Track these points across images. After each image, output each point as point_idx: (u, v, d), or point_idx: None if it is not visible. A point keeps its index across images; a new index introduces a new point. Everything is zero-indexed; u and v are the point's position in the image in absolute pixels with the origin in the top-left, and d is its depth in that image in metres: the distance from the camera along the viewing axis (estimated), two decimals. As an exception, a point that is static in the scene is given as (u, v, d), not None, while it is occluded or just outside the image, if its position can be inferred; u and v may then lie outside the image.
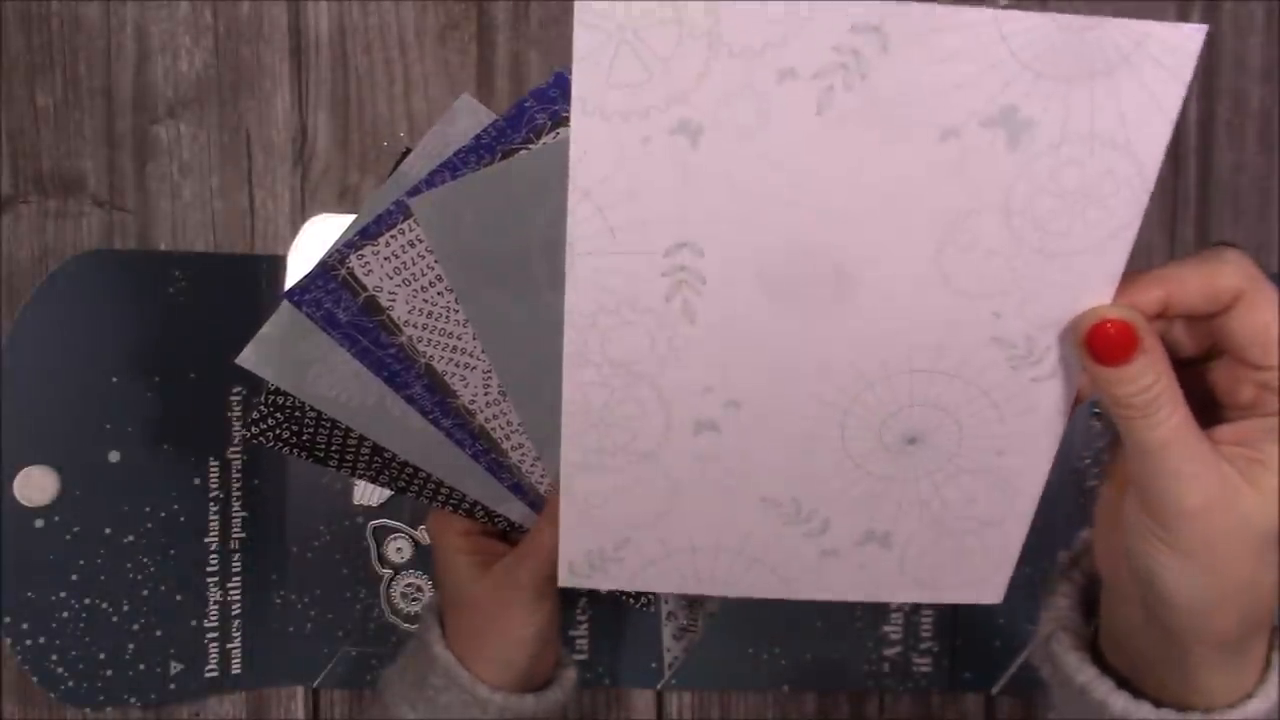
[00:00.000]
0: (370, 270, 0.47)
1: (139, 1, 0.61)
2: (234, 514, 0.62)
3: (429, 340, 0.48)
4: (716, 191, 0.35)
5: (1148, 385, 0.32)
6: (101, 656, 0.60)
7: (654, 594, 0.56)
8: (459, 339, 0.48)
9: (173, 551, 0.61)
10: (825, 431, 0.40)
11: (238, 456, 0.62)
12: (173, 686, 0.62)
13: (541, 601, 0.50)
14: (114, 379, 0.59)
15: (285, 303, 0.48)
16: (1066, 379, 0.36)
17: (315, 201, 0.62)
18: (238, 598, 0.63)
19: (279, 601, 0.63)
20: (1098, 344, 0.33)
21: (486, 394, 0.50)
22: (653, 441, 0.40)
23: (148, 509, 0.61)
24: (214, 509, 0.62)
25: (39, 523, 0.59)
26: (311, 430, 0.51)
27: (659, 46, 0.33)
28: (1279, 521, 0.33)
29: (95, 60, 0.61)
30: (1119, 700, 0.36)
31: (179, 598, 0.61)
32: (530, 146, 0.46)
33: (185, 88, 0.61)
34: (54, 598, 0.59)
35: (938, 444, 0.40)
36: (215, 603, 0.62)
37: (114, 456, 0.60)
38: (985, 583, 0.43)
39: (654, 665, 0.62)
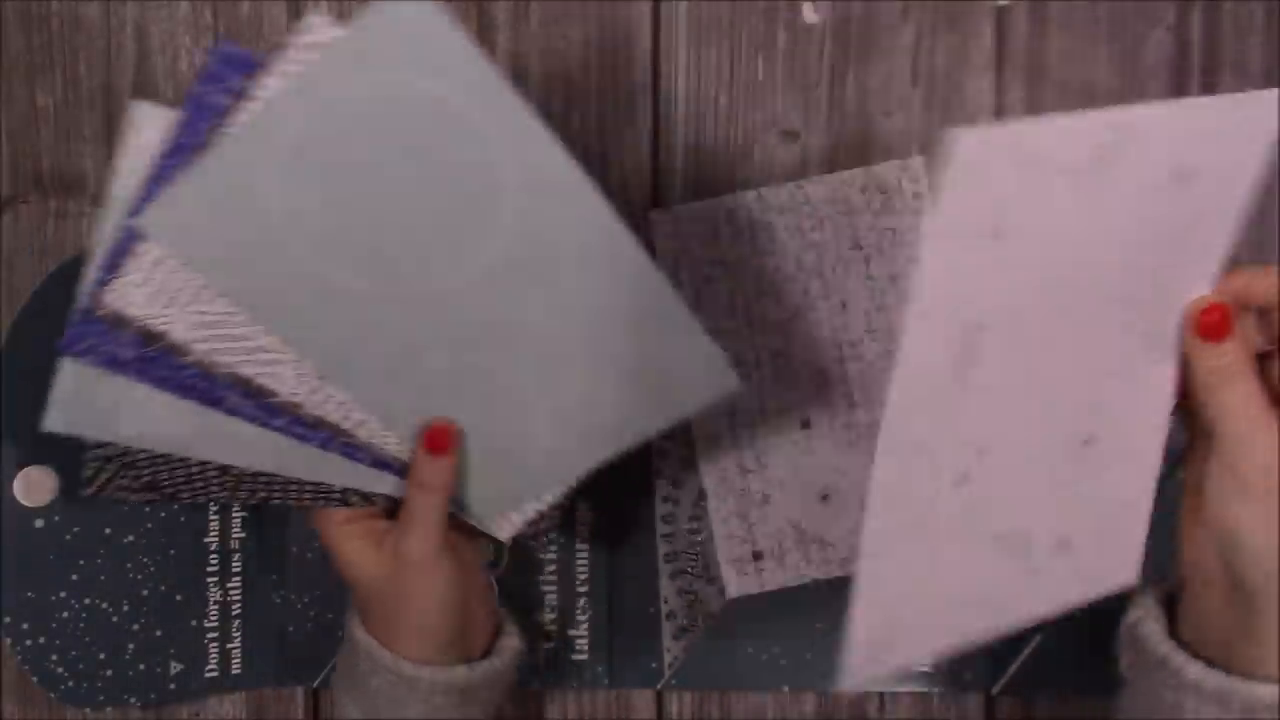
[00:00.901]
0: (130, 302, 0.45)
1: (139, 1, 0.61)
2: (234, 514, 0.62)
3: (222, 350, 0.47)
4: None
5: (1234, 360, 0.41)
6: (101, 656, 0.60)
7: (552, 531, 0.55)
8: (250, 339, 0.47)
9: (173, 551, 0.61)
10: (1048, 456, 0.43)
11: (238, 456, 0.62)
12: (173, 686, 0.62)
13: (436, 569, 0.49)
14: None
15: (64, 359, 0.46)
16: (1175, 360, 0.43)
17: (315, 201, 0.62)
18: (238, 598, 0.63)
19: (279, 601, 0.63)
20: (1205, 324, 0.41)
21: (303, 383, 0.48)
22: (925, 506, 0.41)
23: (148, 509, 0.61)
24: (214, 509, 0.62)
25: (39, 523, 0.59)
26: (149, 470, 0.50)
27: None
28: None
29: (95, 60, 0.61)
30: (1194, 668, 0.42)
31: (179, 598, 0.61)
32: (226, 129, 0.44)
33: (185, 88, 0.61)
34: (54, 598, 0.59)
35: (1102, 439, 0.43)
36: (215, 603, 0.62)
37: (114, 456, 0.60)
38: (1124, 567, 0.46)
39: (654, 665, 0.62)
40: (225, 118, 0.44)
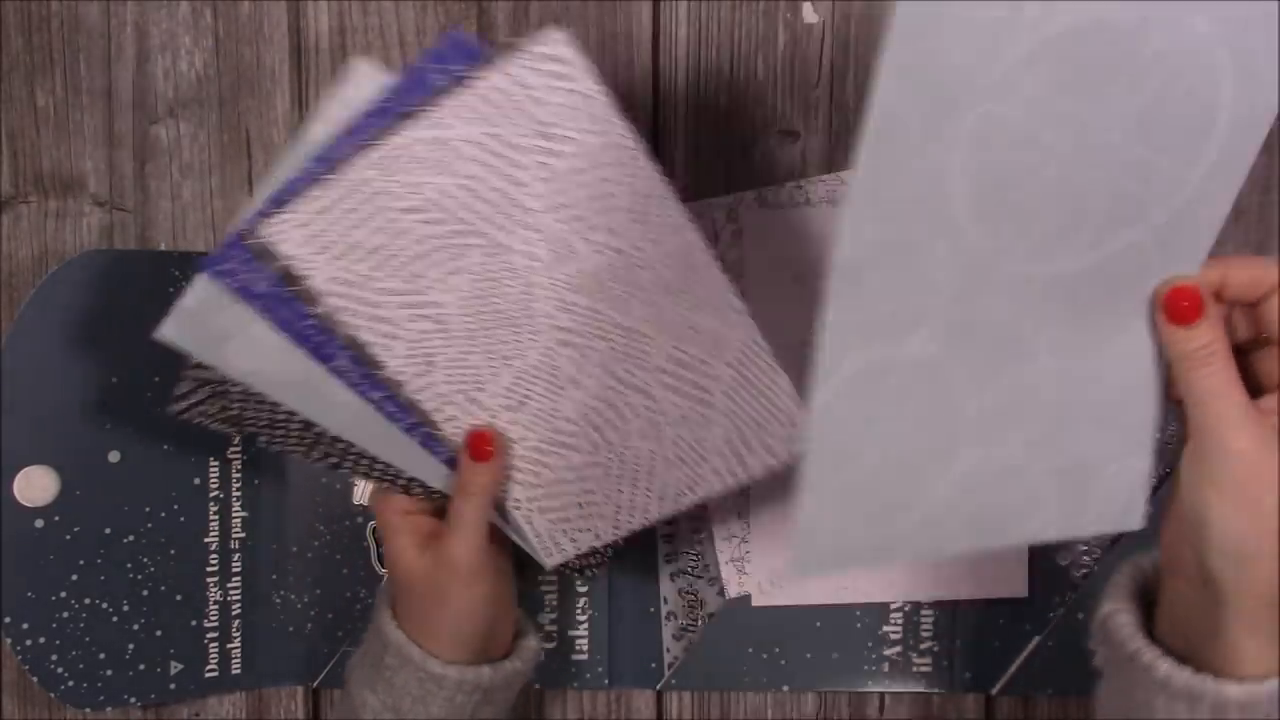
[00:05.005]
0: (284, 239, 0.46)
1: (139, 1, 0.61)
2: (234, 514, 0.62)
3: (349, 310, 0.48)
4: None
5: (1207, 343, 0.40)
6: (101, 656, 0.60)
7: (604, 563, 0.56)
8: (380, 308, 0.48)
9: (173, 551, 0.61)
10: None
11: (238, 456, 0.62)
12: (173, 686, 0.62)
13: (479, 576, 0.50)
14: (114, 379, 0.59)
15: (202, 275, 0.47)
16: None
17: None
18: (238, 598, 0.63)
19: (279, 601, 0.63)
20: (1174, 308, 0.41)
21: (413, 364, 0.49)
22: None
23: (148, 509, 0.61)
24: (214, 509, 0.62)
25: (39, 523, 0.59)
26: (239, 405, 0.50)
27: None
28: None
29: (95, 60, 0.61)
30: (1164, 665, 0.40)
31: (179, 598, 0.61)
32: (432, 108, 0.46)
33: (185, 88, 0.61)
34: (54, 598, 0.59)
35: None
36: (215, 603, 0.62)
37: (114, 456, 0.60)
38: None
39: (654, 665, 0.62)
40: (437, 96, 0.46)
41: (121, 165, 0.61)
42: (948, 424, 0.43)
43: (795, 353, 0.60)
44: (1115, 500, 0.45)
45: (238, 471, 0.62)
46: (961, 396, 0.42)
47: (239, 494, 0.62)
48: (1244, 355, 0.42)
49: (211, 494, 0.62)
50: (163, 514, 0.61)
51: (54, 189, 0.61)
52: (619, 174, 0.47)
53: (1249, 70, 0.39)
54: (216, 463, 0.62)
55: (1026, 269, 0.41)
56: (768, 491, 0.60)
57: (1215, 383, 0.40)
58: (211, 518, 0.62)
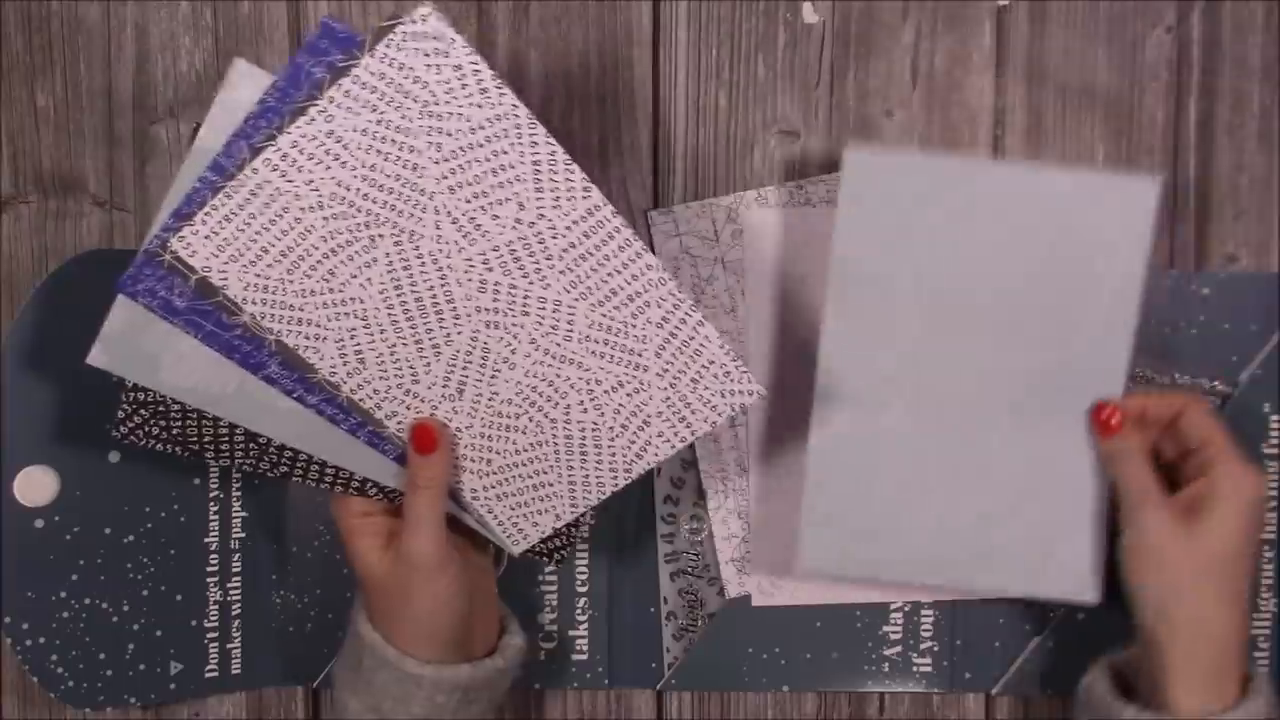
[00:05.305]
0: (194, 251, 0.46)
1: (139, 1, 0.61)
2: (234, 514, 0.62)
3: (272, 315, 0.47)
4: None
5: (1125, 447, 0.52)
6: (101, 656, 0.60)
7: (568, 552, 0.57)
8: (301, 310, 0.48)
9: (173, 551, 0.61)
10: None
11: (238, 456, 0.62)
12: (173, 686, 0.62)
13: (440, 571, 0.50)
14: (114, 379, 0.59)
15: (120, 296, 0.47)
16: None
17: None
18: (238, 598, 0.63)
19: (279, 601, 0.63)
20: (1098, 420, 0.53)
21: (345, 363, 0.49)
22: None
23: (148, 509, 0.61)
24: (214, 509, 0.62)
25: (39, 523, 0.59)
26: (179, 423, 0.50)
27: None
28: (1216, 552, 0.49)
29: (95, 60, 0.61)
30: (1129, 711, 0.50)
31: (179, 598, 0.61)
32: (316, 102, 0.46)
33: (185, 88, 0.61)
34: (54, 598, 0.59)
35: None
36: (215, 603, 0.62)
37: (114, 456, 0.60)
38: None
39: (654, 665, 0.62)
40: (318, 91, 0.45)
41: (121, 165, 0.61)
42: (922, 482, 0.55)
43: (796, 352, 0.60)
44: (1068, 571, 0.55)
45: (238, 471, 0.62)
46: (933, 464, 0.55)
47: (239, 494, 0.62)
48: (1175, 467, 0.53)
49: (211, 494, 0.62)
50: (163, 514, 0.61)
51: (54, 189, 0.61)
52: (513, 145, 0.47)
53: (1123, 236, 0.52)
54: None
55: (979, 376, 0.54)
56: (768, 492, 0.60)
57: (1130, 477, 0.51)
58: (211, 518, 0.62)
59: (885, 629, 0.61)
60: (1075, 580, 0.55)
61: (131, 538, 0.60)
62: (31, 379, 0.58)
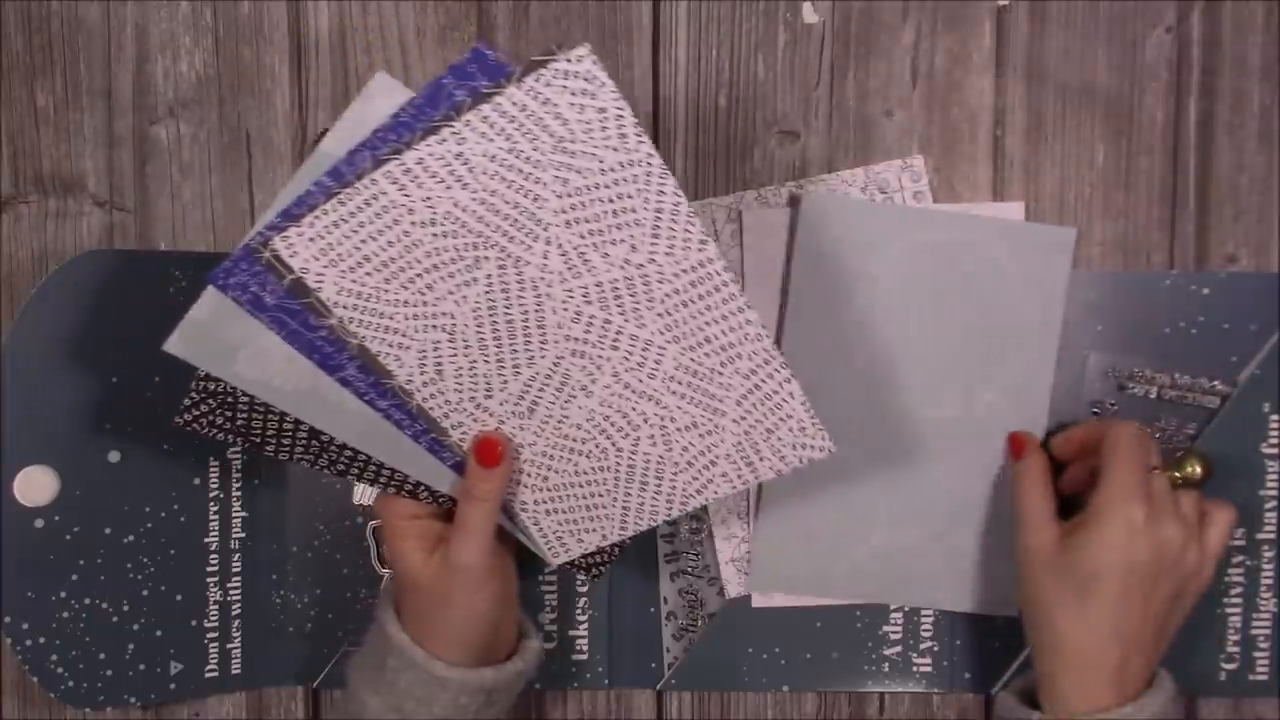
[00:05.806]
0: (295, 252, 0.46)
1: (139, 1, 0.61)
2: (234, 514, 0.62)
3: (360, 321, 0.48)
4: None
5: (1026, 470, 0.56)
6: (101, 656, 0.60)
7: (609, 563, 0.57)
8: (391, 319, 0.48)
9: (173, 551, 0.61)
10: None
11: (237, 457, 0.62)
12: (173, 686, 0.62)
13: (485, 580, 0.50)
14: (114, 379, 0.59)
15: (210, 287, 0.47)
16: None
17: (315, 201, 0.62)
18: (238, 598, 0.63)
19: (279, 601, 0.63)
20: (1011, 445, 0.58)
21: (423, 373, 0.49)
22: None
23: (148, 509, 0.61)
24: (214, 509, 0.62)
25: (39, 523, 0.59)
26: (245, 415, 0.51)
27: None
28: (1086, 570, 0.51)
29: (95, 60, 0.61)
30: (1021, 710, 0.53)
31: (179, 598, 0.61)
32: (453, 124, 0.45)
33: (185, 88, 0.61)
34: (54, 598, 0.59)
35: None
36: (215, 603, 0.62)
37: (114, 456, 0.60)
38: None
39: (654, 665, 0.62)
40: (456, 113, 0.45)
41: (121, 165, 0.61)
42: (865, 512, 0.60)
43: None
44: (996, 589, 0.60)
45: (238, 471, 0.62)
46: (875, 495, 0.60)
47: (239, 494, 0.62)
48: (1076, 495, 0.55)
49: (211, 494, 0.62)
50: (163, 514, 0.61)
51: (54, 189, 0.61)
52: (640, 190, 0.47)
53: (1040, 286, 0.58)
54: (216, 463, 0.62)
55: (918, 411, 0.59)
56: (768, 492, 0.60)
57: (1025, 497, 0.55)
58: (211, 518, 0.62)
59: (885, 629, 0.61)
60: (1002, 596, 0.60)
61: (131, 538, 0.60)
62: (31, 379, 0.58)
